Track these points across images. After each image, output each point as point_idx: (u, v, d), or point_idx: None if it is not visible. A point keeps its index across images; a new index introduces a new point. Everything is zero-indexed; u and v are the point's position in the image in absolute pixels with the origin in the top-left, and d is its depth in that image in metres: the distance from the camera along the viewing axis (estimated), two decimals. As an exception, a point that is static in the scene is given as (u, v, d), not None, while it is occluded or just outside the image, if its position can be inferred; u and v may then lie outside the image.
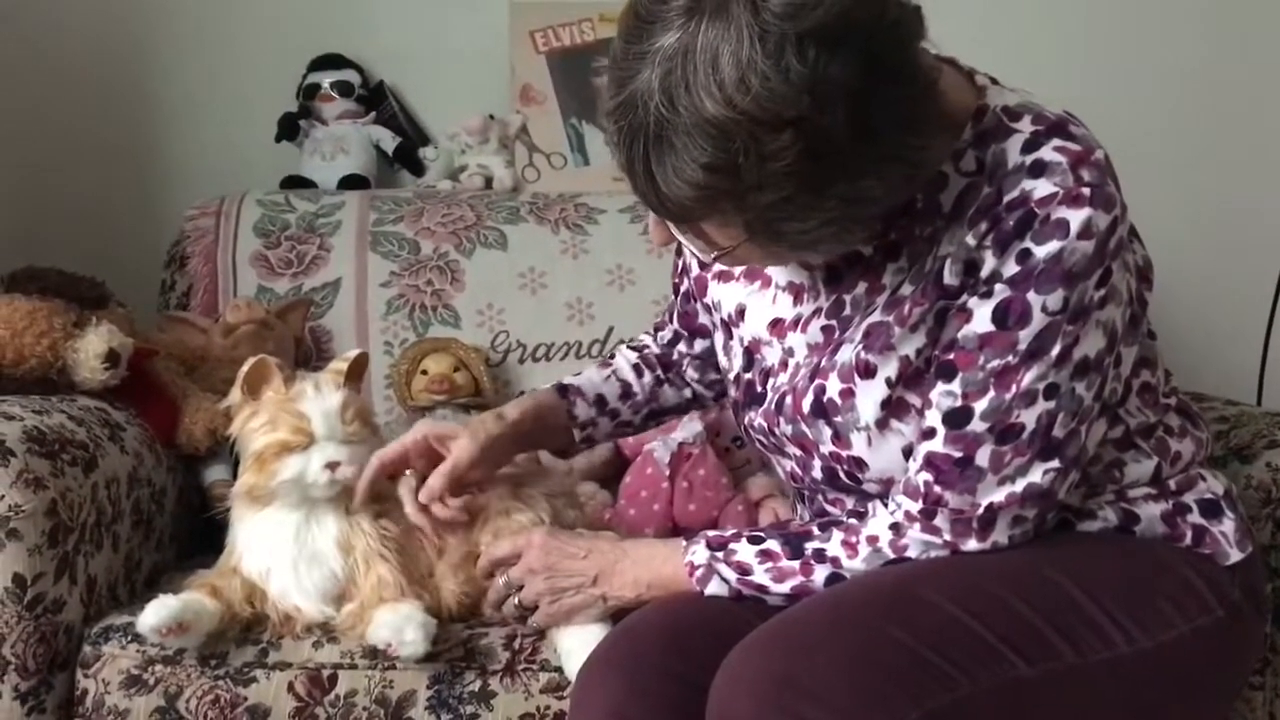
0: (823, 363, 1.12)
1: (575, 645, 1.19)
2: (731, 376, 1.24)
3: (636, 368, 1.40)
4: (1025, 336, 1.01)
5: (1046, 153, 1.01)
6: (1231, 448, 1.38)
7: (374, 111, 2.05)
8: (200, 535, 1.55)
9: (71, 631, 1.28)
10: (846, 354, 1.10)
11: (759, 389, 1.19)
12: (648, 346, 1.42)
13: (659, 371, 1.41)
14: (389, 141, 2.04)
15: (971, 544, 1.07)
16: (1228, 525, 1.13)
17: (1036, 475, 1.04)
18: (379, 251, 1.84)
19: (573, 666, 1.17)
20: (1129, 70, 2.06)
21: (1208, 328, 2.03)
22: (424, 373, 1.72)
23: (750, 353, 1.20)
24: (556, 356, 1.81)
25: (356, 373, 1.31)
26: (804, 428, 1.13)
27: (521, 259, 1.84)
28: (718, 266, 1.22)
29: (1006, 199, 1.01)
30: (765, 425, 1.18)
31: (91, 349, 1.45)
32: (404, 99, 2.07)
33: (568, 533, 1.24)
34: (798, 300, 1.16)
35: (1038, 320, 1.01)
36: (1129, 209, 1.04)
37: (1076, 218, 0.99)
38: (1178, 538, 1.12)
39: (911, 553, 1.08)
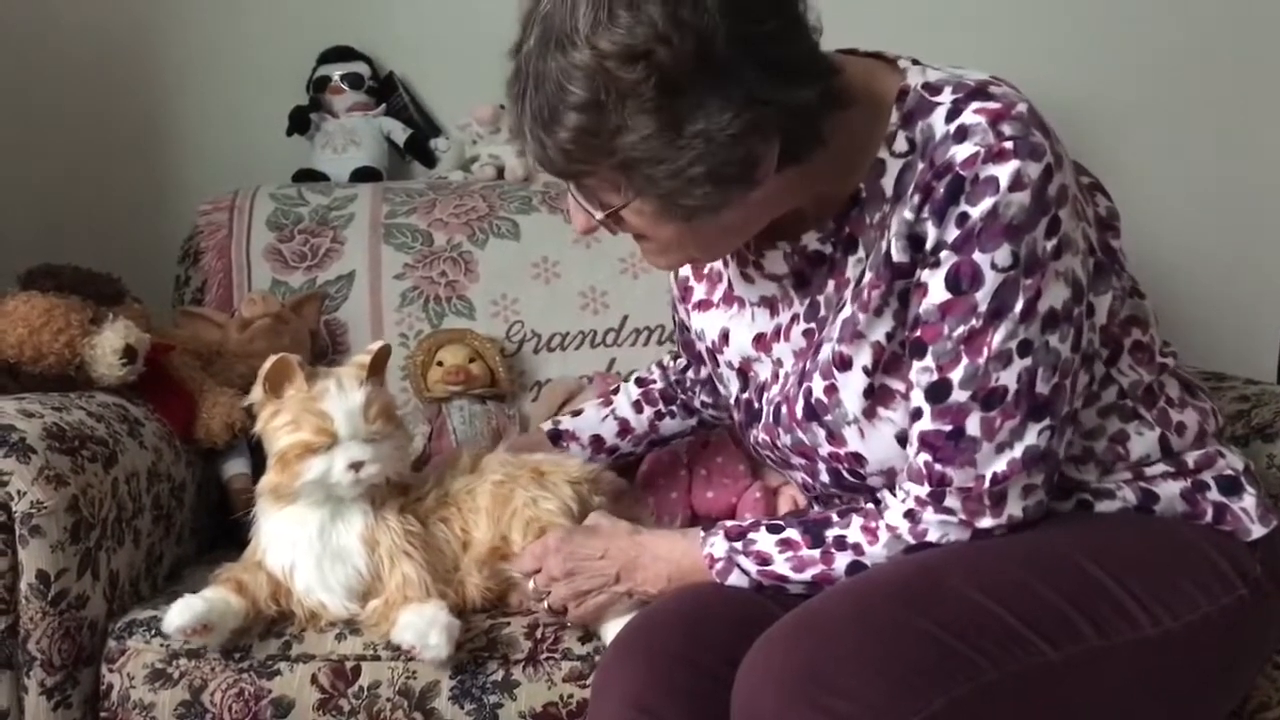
0: (807, 366, 1.13)
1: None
2: (731, 401, 1.26)
3: (637, 404, 1.47)
4: (983, 297, 1.02)
5: (967, 116, 1.02)
6: (1253, 426, 1.37)
7: (384, 103, 2.05)
8: (220, 529, 1.56)
9: (95, 627, 1.29)
10: (826, 352, 1.11)
11: (756, 405, 1.21)
12: (654, 381, 1.48)
13: (660, 406, 1.47)
14: (400, 133, 2.04)
15: (987, 520, 1.06)
16: (1248, 501, 1.13)
17: (1032, 437, 1.04)
18: (392, 243, 1.83)
19: None
20: (1145, 46, 2.04)
21: (1227, 306, 2.02)
22: (440, 364, 1.72)
23: (744, 373, 1.22)
24: (571, 346, 1.81)
25: (379, 365, 1.31)
26: (801, 434, 1.14)
27: (534, 249, 1.84)
28: (697, 296, 1.25)
29: (935, 168, 1.02)
30: (768, 439, 1.19)
31: (109, 345, 1.45)
32: (414, 90, 2.07)
33: (583, 532, 1.24)
34: (774, 312, 1.18)
35: (990, 279, 1.01)
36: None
37: (1004, 171, 1.00)
38: (1198, 515, 1.12)
39: (931, 536, 1.08)
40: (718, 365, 1.26)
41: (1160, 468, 1.12)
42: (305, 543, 1.26)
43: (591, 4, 0.95)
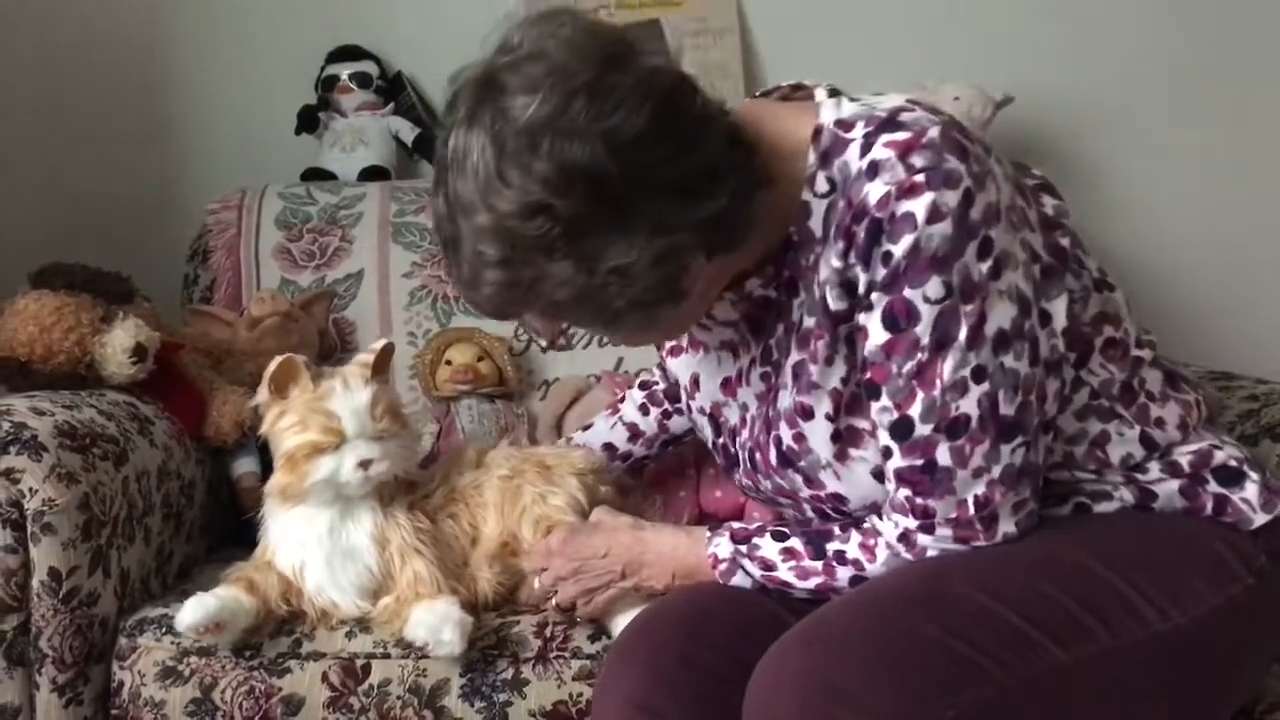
0: (770, 413, 1.14)
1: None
2: (710, 447, 1.27)
3: (643, 407, 1.47)
4: (923, 330, 1.01)
5: (877, 150, 1.02)
6: (1263, 426, 1.37)
7: (393, 102, 2.05)
8: (229, 527, 1.56)
9: (106, 624, 1.29)
10: (786, 400, 1.11)
11: (732, 450, 1.22)
12: (657, 383, 1.48)
13: (666, 405, 1.47)
14: (408, 132, 2.04)
15: (981, 542, 1.06)
16: (1250, 490, 1.12)
17: (1006, 457, 1.04)
18: (400, 242, 1.84)
19: None
20: (1149, 44, 2.04)
21: (1235, 305, 2.02)
22: (448, 363, 1.72)
23: (714, 418, 1.23)
24: (578, 344, 1.80)
25: (383, 364, 1.31)
26: (779, 480, 1.15)
27: (542, 247, 1.84)
28: (669, 342, 1.28)
29: (853, 209, 1.02)
30: (751, 484, 1.20)
31: (119, 344, 1.46)
32: (422, 89, 2.07)
33: (585, 530, 1.25)
34: (736, 356, 1.19)
35: (926, 312, 1.01)
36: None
37: (919, 205, 0.99)
38: (1198, 509, 1.12)
39: (931, 554, 1.08)
40: (691, 412, 1.27)
41: (1155, 471, 1.12)
42: (315, 542, 1.26)
43: (484, 168, 0.96)
